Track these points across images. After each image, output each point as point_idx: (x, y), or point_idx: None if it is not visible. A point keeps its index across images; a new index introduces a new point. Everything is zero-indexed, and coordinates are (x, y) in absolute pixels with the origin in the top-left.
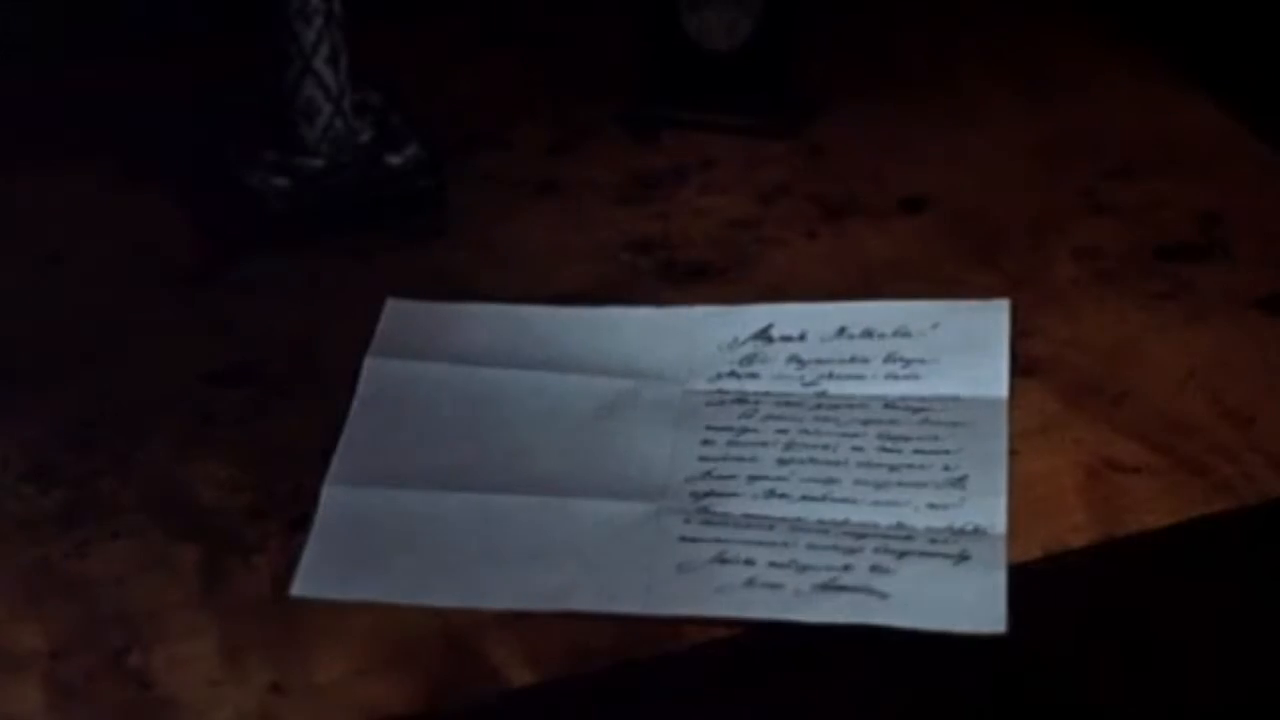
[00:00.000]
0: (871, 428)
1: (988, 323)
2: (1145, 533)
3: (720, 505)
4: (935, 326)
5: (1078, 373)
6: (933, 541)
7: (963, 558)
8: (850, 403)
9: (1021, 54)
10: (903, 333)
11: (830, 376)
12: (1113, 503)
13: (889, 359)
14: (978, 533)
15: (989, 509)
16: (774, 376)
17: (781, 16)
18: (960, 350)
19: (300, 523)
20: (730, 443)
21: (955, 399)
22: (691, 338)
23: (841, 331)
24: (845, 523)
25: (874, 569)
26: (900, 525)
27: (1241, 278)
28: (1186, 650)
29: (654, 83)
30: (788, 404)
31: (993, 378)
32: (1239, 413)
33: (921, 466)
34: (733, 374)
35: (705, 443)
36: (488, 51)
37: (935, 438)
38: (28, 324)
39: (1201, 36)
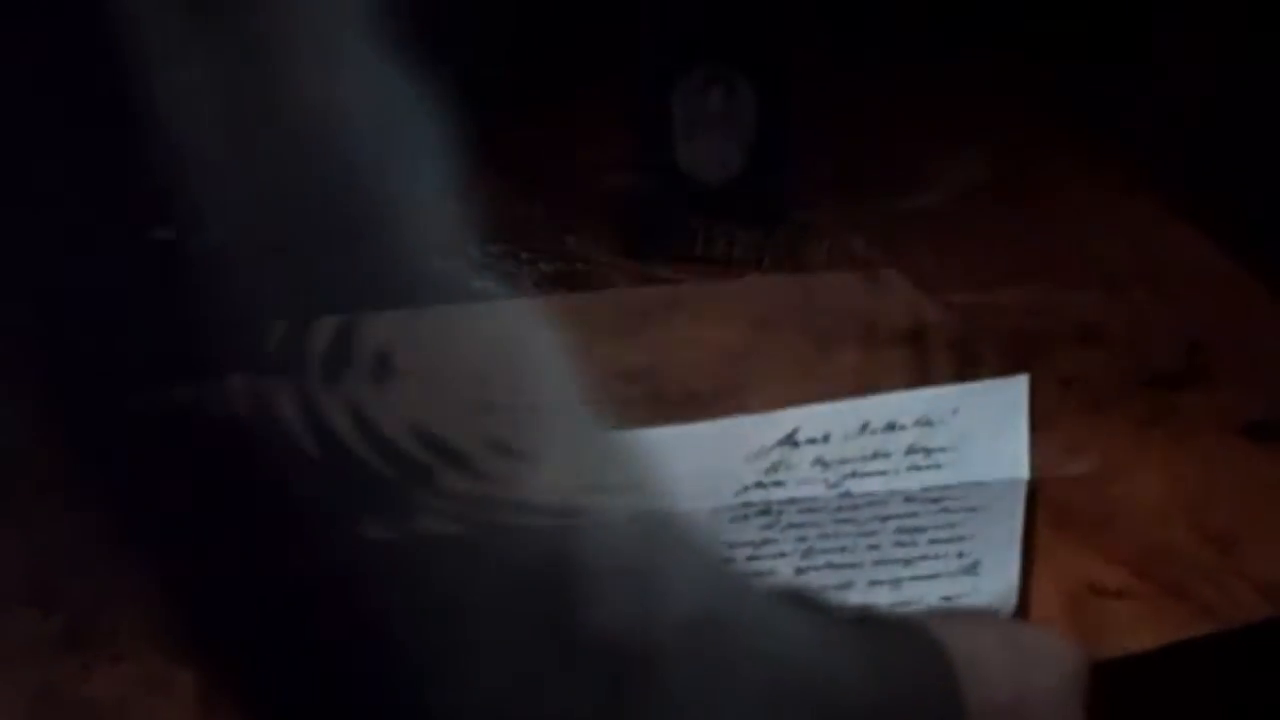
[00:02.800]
0: (890, 523)
1: (1006, 401)
2: (1129, 657)
3: None
4: (955, 412)
5: (1062, 497)
6: None
7: None
8: (871, 500)
9: (1012, 176)
10: (924, 422)
11: (854, 475)
12: (1096, 627)
13: (910, 450)
14: None
15: (1001, 594)
16: (799, 482)
17: (774, 148)
18: (980, 433)
19: None
20: (750, 557)
21: (975, 484)
22: (719, 451)
23: (865, 427)
24: None
25: None
26: None
27: (1225, 404)
28: None
29: (648, 215)
30: (810, 510)
31: (1012, 458)
32: (1222, 537)
33: (936, 557)
34: (759, 484)
35: (724, 560)
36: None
37: (951, 525)
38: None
39: (1188, 163)
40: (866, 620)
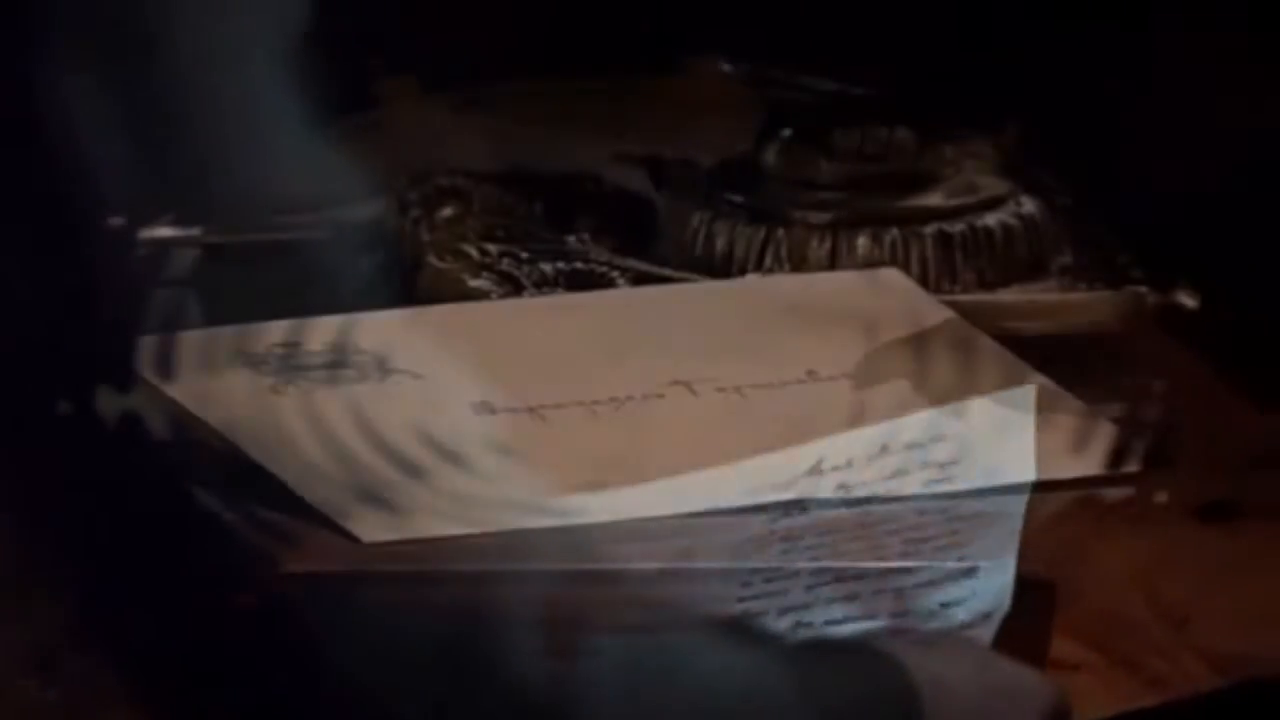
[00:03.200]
0: (896, 537)
1: (1016, 408)
2: None
3: None
4: (966, 424)
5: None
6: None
7: None
8: (884, 517)
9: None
10: (938, 438)
11: (873, 497)
12: None
13: (924, 466)
14: (986, 619)
15: (996, 594)
16: (821, 508)
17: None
18: (989, 441)
19: None
20: (765, 580)
21: (981, 490)
22: (749, 486)
23: (884, 449)
24: None
25: None
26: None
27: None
28: None
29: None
30: (828, 533)
31: (1018, 461)
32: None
33: (938, 565)
34: (785, 513)
35: (744, 584)
36: None
37: (954, 533)
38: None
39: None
40: (818, 645)
